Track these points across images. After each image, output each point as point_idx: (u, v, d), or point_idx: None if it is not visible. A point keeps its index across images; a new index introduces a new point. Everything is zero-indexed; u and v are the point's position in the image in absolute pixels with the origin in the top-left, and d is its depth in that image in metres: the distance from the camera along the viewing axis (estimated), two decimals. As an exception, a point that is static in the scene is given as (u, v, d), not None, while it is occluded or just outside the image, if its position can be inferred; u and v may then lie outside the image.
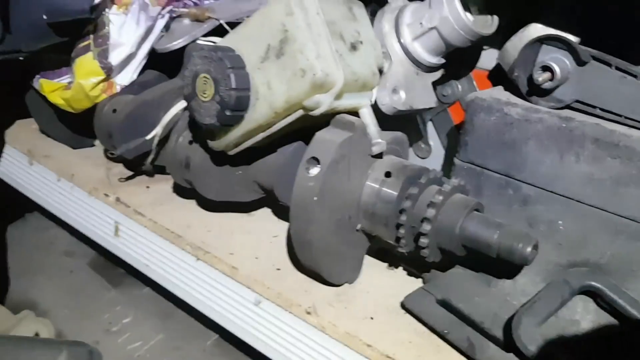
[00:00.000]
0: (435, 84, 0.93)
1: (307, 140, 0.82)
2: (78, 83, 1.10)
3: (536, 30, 0.83)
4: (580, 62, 0.75)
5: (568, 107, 0.78)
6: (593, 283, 0.76)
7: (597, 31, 0.83)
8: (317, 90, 0.76)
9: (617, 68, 0.74)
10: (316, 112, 0.77)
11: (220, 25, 1.14)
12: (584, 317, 0.77)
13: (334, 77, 0.76)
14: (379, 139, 0.81)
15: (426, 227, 0.76)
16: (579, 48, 0.75)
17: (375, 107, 0.87)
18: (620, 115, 0.74)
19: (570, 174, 0.76)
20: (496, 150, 0.81)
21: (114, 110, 1.11)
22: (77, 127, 1.28)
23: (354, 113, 0.83)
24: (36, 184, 1.28)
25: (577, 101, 0.77)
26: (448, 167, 0.91)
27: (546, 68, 0.77)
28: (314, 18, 0.76)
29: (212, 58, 0.80)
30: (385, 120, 0.88)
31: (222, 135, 0.88)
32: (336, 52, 0.77)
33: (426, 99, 0.92)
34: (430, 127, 1.06)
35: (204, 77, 0.81)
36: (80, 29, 1.10)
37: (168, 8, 1.17)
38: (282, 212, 1.07)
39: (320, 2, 0.77)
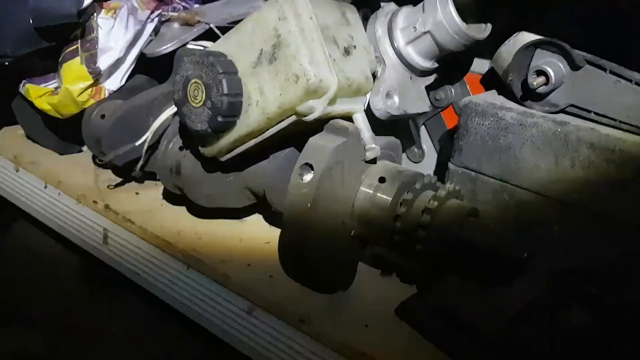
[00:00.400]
0: (428, 88, 0.93)
1: (300, 145, 0.81)
2: (65, 88, 1.08)
3: (530, 34, 0.83)
4: (574, 67, 0.75)
5: (563, 111, 0.78)
6: (589, 289, 0.75)
7: (596, 34, 0.83)
8: (311, 96, 0.75)
9: (612, 72, 0.73)
10: (309, 118, 0.76)
11: (210, 29, 1.13)
12: (581, 323, 0.77)
13: (328, 83, 0.75)
14: (372, 145, 0.80)
15: (421, 233, 0.75)
16: (574, 52, 0.75)
17: (368, 112, 0.86)
18: (615, 120, 0.74)
19: (565, 178, 0.76)
20: (491, 155, 0.80)
21: (103, 116, 1.09)
22: (64, 132, 1.26)
23: (348, 118, 0.82)
24: (22, 191, 1.26)
25: (572, 105, 0.77)
26: (442, 171, 0.91)
27: (540, 72, 0.76)
28: (307, 23, 0.75)
29: (204, 63, 0.78)
30: (379, 125, 0.87)
31: (214, 142, 0.87)
32: (330, 57, 0.76)
33: (420, 104, 0.91)
34: (423, 131, 1.06)
35: (195, 82, 0.79)
36: (68, 34, 1.08)
37: (157, 12, 1.15)
38: (274, 218, 1.06)
39: (314, 7, 0.76)
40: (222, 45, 0.84)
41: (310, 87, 0.74)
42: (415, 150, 1.07)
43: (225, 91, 0.77)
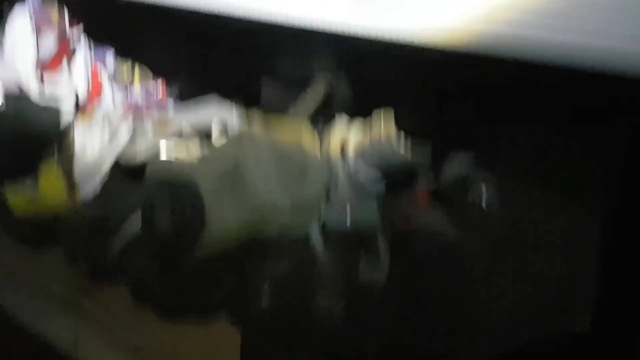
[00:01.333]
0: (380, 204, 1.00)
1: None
2: (42, 195, 1.14)
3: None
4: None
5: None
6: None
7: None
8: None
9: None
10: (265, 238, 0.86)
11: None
12: None
13: (281, 208, 0.84)
14: None
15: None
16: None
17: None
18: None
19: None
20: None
21: (77, 221, 1.14)
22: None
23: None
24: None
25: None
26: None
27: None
28: (265, 158, 0.86)
29: (171, 191, 0.86)
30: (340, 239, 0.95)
31: (178, 254, 0.93)
32: (284, 186, 0.85)
33: (371, 219, 0.99)
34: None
35: (162, 207, 0.87)
36: (46, 144, 1.15)
37: (132, 119, 1.23)
38: (238, 320, 1.10)
39: (272, 144, 0.88)
40: (190, 170, 0.93)
41: (264, 214, 0.83)
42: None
43: (189, 219, 0.84)
